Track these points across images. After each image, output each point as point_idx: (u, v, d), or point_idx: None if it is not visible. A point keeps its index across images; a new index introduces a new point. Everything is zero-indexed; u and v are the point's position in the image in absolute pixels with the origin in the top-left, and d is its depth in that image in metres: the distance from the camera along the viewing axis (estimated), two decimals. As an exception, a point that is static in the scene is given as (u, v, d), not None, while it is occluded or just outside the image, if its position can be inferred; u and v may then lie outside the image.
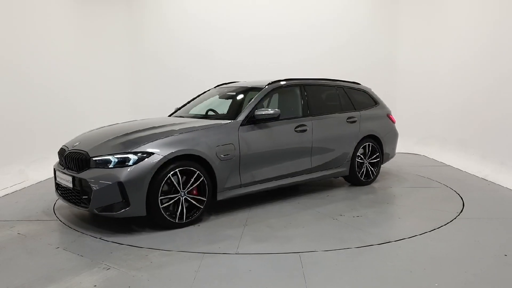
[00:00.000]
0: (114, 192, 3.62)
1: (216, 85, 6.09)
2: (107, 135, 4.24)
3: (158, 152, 3.76)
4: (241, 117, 4.49)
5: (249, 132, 4.45)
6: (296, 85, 5.23)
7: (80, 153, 3.97)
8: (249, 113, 4.53)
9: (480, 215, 4.33)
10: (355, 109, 5.66)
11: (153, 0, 9.19)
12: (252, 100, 4.74)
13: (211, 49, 9.12)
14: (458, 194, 5.13)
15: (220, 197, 4.25)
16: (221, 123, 4.38)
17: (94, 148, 3.95)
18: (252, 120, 4.51)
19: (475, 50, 6.84)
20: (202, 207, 4.04)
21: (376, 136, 5.74)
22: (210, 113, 5.24)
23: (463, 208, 4.54)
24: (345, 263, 3.14)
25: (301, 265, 3.09)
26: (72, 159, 4.03)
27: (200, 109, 5.40)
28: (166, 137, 3.94)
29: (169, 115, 5.54)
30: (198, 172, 3.96)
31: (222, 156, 4.16)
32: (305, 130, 4.92)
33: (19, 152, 6.16)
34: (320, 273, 2.96)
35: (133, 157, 3.71)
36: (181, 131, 4.08)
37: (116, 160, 3.72)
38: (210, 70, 9.03)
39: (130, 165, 3.67)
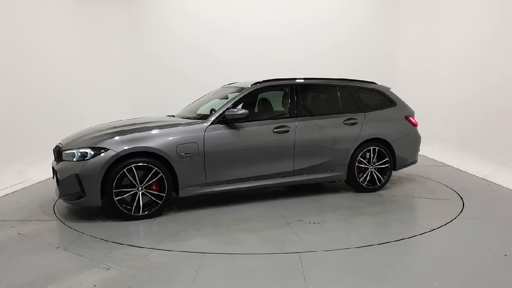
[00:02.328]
0: (74, 183, 4.06)
1: (224, 84, 6.08)
2: (87, 132, 4.65)
3: (112, 148, 4.07)
4: (212, 117, 4.57)
5: (217, 132, 4.50)
6: (285, 85, 5.10)
7: (59, 146, 4.45)
8: (221, 113, 4.57)
9: (480, 215, 4.33)
10: (359, 110, 5.30)
11: (153, 0, 9.20)
12: (229, 100, 4.79)
13: (211, 49, 9.12)
14: (458, 194, 5.13)
15: (182, 194, 4.39)
16: (187, 123, 4.55)
17: (68, 143, 4.41)
18: (223, 120, 4.55)
19: (475, 50, 6.84)
20: (160, 202, 4.24)
21: (384, 139, 5.29)
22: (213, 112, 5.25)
23: (463, 208, 4.53)
24: (345, 263, 3.14)
25: (301, 265, 3.09)
26: (55, 151, 4.50)
27: (205, 108, 5.43)
28: (123, 134, 4.24)
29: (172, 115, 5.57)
30: (156, 168, 4.16)
31: (183, 154, 4.29)
32: (286, 131, 4.78)
33: (19, 152, 6.16)
34: (320, 273, 2.96)
35: (90, 152, 4.08)
36: (140, 130, 4.33)
37: (79, 154, 4.12)
38: (211, 70, 9.04)
39: (87, 159, 4.05)
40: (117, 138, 4.18)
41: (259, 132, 4.69)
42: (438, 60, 8.15)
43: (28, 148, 6.36)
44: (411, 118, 5.65)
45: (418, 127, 5.73)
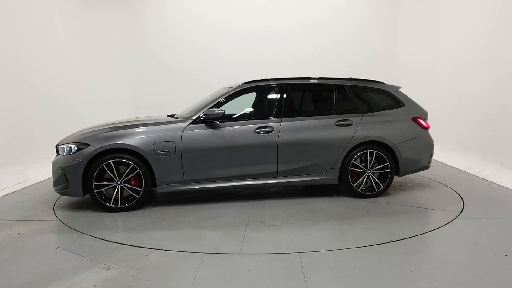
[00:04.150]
0: (61, 175, 4.46)
1: (231, 85, 6.07)
2: (84, 130, 4.92)
3: (93, 144, 4.40)
4: (193, 117, 4.70)
5: (196, 131, 4.60)
6: (274, 86, 5.01)
7: (58, 142, 4.81)
8: (202, 113, 4.67)
9: (480, 215, 4.33)
10: (357, 111, 5.01)
11: (153, 0, 9.20)
12: (213, 100, 4.85)
13: (211, 49, 9.13)
14: (458, 194, 5.13)
15: (160, 190, 4.59)
16: (168, 122, 4.74)
17: (63, 139, 4.79)
18: (204, 120, 4.64)
19: (475, 50, 6.84)
20: (138, 196, 4.49)
21: (383, 142, 4.92)
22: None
23: (463, 208, 4.53)
24: (345, 263, 3.14)
25: (301, 265, 3.09)
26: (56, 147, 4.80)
27: None
28: (106, 132, 4.53)
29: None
30: (133, 164, 4.42)
31: (159, 152, 4.48)
32: (269, 132, 4.71)
33: (19, 152, 6.16)
34: (320, 273, 2.96)
35: (74, 147, 4.46)
36: (122, 128, 4.61)
37: (67, 148, 4.50)
38: (210, 70, 9.05)
39: (72, 154, 4.44)
40: (98, 135, 4.50)
41: (240, 132, 4.69)
42: (438, 60, 8.15)
43: (28, 148, 6.36)
44: (420, 120, 5.15)
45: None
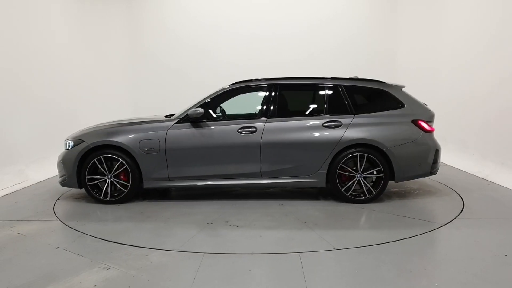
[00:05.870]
0: (61, 168, 4.89)
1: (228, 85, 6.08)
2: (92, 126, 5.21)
3: (87, 140, 4.73)
4: (179, 116, 4.86)
5: (180, 130, 4.76)
6: (264, 86, 4.94)
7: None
8: (188, 113, 4.79)
9: (480, 215, 4.33)
10: (350, 112, 4.76)
11: (153, 0, 9.21)
12: (200, 100, 4.95)
13: (211, 49, 9.14)
14: (458, 194, 5.13)
15: (146, 185, 4.80)
16: (153, 121, 4.92)
17: (69, 135, 5.07)
18: (189, 120, 4.78)
19: (475, 50, 6.83)
20: (125, 191, 4.75)
21: (375, 145, 4.64)
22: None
23: (463, 208, 4.53)
24: (345, 263, 3.14)
25: (301, 265, 3.09)
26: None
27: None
28: (99, 129, 4.86)
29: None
30: (121, 160, 4.69)
31: (145, 149, 4.69)
32: (253, 132, 4.68)
33: (19, 152, 6.15)
34: (320, 273, 2.96)
35: (71, 143, 4.83)
36: (114, 126, 4.89)
37: (67, 144, 4.87)
38: (210, 70, 9.06)
39: (69, 149, 4.82)
40: (92, 132, 4.83)
41: (223, 132, 4.73)
42: (438, 60, 8.15)
43: (28, 148, 6.36)
44: (421, 123, 4.74)
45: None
